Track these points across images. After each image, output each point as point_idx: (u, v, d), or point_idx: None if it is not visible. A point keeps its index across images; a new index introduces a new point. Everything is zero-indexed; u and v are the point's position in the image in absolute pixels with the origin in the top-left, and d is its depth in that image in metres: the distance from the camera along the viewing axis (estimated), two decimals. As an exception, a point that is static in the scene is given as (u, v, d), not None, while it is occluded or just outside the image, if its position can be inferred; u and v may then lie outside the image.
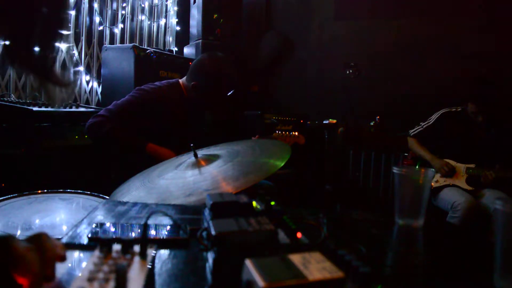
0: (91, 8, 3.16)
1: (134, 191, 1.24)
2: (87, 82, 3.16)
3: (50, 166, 2.01)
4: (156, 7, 3.81)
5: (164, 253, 0.67)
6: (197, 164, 1.31)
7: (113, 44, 3.33)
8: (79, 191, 1.46)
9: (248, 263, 0.47)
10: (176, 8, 3.98)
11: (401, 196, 0.98)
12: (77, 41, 3.05)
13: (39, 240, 0.55)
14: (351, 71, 3.79)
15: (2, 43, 0.54)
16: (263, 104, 3.83)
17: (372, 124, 3.49)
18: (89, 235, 0.72)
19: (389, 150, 3.49)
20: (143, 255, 0.54)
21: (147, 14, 3.70)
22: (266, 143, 1.58)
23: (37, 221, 1.22)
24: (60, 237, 0.73)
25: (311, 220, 0.84)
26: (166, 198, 1.12)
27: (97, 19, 3.21)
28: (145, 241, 0.55)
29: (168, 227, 0.79)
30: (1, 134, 2.00)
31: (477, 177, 2.61)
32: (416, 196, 0.97)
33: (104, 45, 3.08)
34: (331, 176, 3.29)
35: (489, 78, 2.75)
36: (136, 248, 0.54)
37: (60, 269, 0.56)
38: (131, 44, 2.75)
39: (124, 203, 1.00)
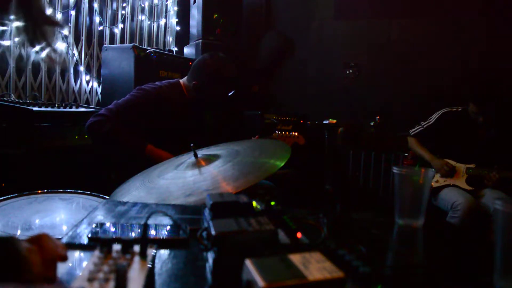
0: (91, 8, 3.16)
1: (134, 191, 1.24)
2: (87, 82, 3.16)
3: (50, 166, 2.01)
4: (156, 7, 3.81)
5: (164, 253, 0.67)
6: (197, 164, 1.31)
7: (113, 44, 3.33)
8: (79, 191, 1.46)
9: (248, 263, 0.47)
10: (176, 8, 3.98)
11: (401, 196, 0.98)
12: (77, 41, 3.05)
13: (41, 241, 0.55)
14: (351, 71, 3.79)
15: None
16: (263, 104, 3.83)
17: (372, 124, 3.49)
18: (89, 235, 0.72)
19: (389, 150, 3.49)
20: (143, 255, 0.54)
21: (147, 14, 3.70)
22: (266, 143, 1.58)
23: (37, 221, 1.22)
24: (60, 237, 0.73)
25: (311, 220, 0.84)
26: (166, 198, 1.12)
27: (97, 19, 3.21)
28: (145, 241, 0.55)
29: (168, 227, 0.79)
30: (1, 134, 2.00)
31: (477, 177, 2.61)
32: (416, 196, 0.97)
33: (104, 45, 3.08)
34: (331, 176, 3.29)
35: (490, 79, 2.76)
36: (136, 248, 0.54)
37: (61, 269, 0.56)
38: (131, 44, 2.75)
39: (124, 203, 1.00)
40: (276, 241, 0.59)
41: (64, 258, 0.55)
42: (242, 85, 3.08)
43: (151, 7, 3.76)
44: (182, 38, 3.98)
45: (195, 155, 1.36)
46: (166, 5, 3.91)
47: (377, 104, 3.63)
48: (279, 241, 0.61)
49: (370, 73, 3.79)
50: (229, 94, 2.07)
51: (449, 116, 2.77)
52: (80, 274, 0.48)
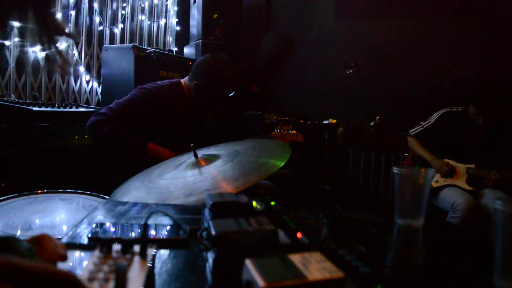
0: (91, 8, 3.16)
1: (134, 191, 1.24)
2: (87, 82, 3.16)
3: (50, 166, 2.00)
4: (156, 7, 3.81)
5: (164, 253, 0.67)
6: (197, 164, 1.31)
7: (113, 44, 3.33)
8: (79, 191, 1.46)
9: (248, 263, 0.47)
10: (176, 8, 3.98)
11: (401, 196, 0.98)
12: (77, 41, 3.05)
13: (41, 241, 0.55)
14: (351, 71, 3.79)
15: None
16: (263, 104, 3.83)
17: (372, 124, 3.49)
18: (89, 235, 0.72)
19: (389, 150, 3.49)
20: (143, 255, 0.54)
21: (147, 14, 3.70)
22: (266, 143, 1.58)
23: (37, 221, 1.22)
24: (60, 237, 0.73)
25: (311, 220, 0.84)
26: (166, 198, 1.12)
27: (97, 19, 3.21)
28: (145, 241, 0.55)
29: (168, 227, 0.79)
30: (1, 134, 2.00)
31: (477, 177, 2.61)
32: (416, 196, 0.97)
33: (104, 45, 3.08)
34: (331, 176, 3.29)
35: (491, 81, 2.76)
36: (136, 248, 0.54)
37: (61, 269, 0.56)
38: (131, 44, 2.75)
39: (124, 203, 1.00)
40: (276, 241, 0.59)
41: (64, 258, 0.55)
42: (242, 85, 3.08)
43: (151, 7, 3.76)
44: (182, 38, 3.98)
45: (195, 155, 1.36)
46: (166, 5, 3.91)
47: (377, 104, 3.63)
48: (279, 241, 0.61)
49: (370, 73, 3.78)
50: (230, 95, 2.07)
51: (449, 116, 2.76)
52: (80, 274, 0.48)
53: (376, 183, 3.57)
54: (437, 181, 2.68)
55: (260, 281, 0.42)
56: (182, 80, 2.07)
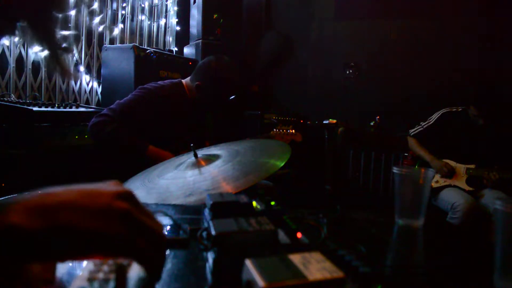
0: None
1: (134, 191, 1.24)
2: (87, 82, 3.16)
3: (50, 166, 2.00)
4: (156, 7, 3.81)
5: (164, 253, 0.66)
6: (197, 164, 1.31)
7: (113, 44, 3.33)
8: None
9: (248, 263, 0.47)
10: (176, 8, 3.98)
11: (401, 196, 0.98)
12: (77, 41, 3.04)
13: None
14: (351, 71, 3.79)
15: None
16: (263, 104, 3.83)
17: (372, 124, 3.49)
18: (89, 235, 0.72)
19: (389, 150, 3.49)
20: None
21: (147, 14, 3.70)
22: (266, 143, 1.58)
23: (37, 221, 1.22)
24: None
25: (311, 220, 0.84)
26: (166, 198, 1.12)
27: (97, 19, 3.21)
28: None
29: (168, 227, 0.79)
30: (1, 134, 2.00)
31: (477, 178, 2.61)
32: (416, 196, 0.97)
33: (104, 45, 3.08)
34: (331, 176, 3.29)
35: (491, 82, 2.76)
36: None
37: (61, 269, 0.56)
38: (131, 44, 2.75)
39: (124, 203, 1.00)
40: (276, 241, 0.59)
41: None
42: (242, 85, 3.08)
43: (151, 7, 3.76)
44: (182, 38, 3.98)
45: (195, 155, 1.36)
46: (166, 5, 3.91)
47: (377, 104, 3.63)
48: (279, 241, 0.61)
49: (370, 73, 3.79)
50: (231, 98, 2.08)
51: (449, 116, 2.76)
52: (80, 274, 0.48)
53: (376, 183, 3.57)
54: (437, 182, 2.69)
55: (260, 281, 0.42)
56: (183, 81, 2.07)
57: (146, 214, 0.47)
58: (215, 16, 3.53)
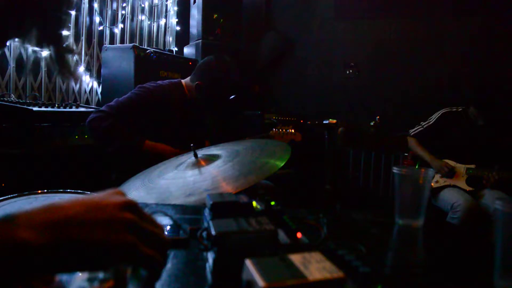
0: (91, 8, 3.15)
1: (134, 191, 1.24)
2: (87, 82, 3.16)
3: (50, 166, 2.00)
4: (156, 7, 3.81)
5: (164, 253, 0.66)
6: (197, 164, 1.31)
7: (113, 44, 3.33)
8: (79, 191, 1.46)
9: (248, 263, 0.47)
10: (176, 8, 3.98)
11: (401, 196, 0.98)
12: (77, 41, 3.04)
13: None
14: (351, 71, 3.79)
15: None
16: (263, 104, 3.83)
17: (372, 124, 3.49)
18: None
19: (389, 150, 3.49)
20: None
21: (147, 14, 3.70)
22: (266, 143, 1.58)
23: (37, 221, 1.22)
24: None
25: (311, 220, 0.84)
26: (166, 198, 1.12)
27: (97, 19, 3.21)
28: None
29: (168, 227, 0.79)
30: (1, 134, 2.00)
31: (477, 178, 2.60)
32: (416, 196, 0.97)
33: (104, 45, 3.07)
34: (331, 176, 3.29)
35: (491, 83, 2.76)
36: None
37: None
38: (131, 44, 2.75)
39: (124, 203, 1.00)
40: (276, 241, 0.59)
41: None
42: (242, 85, 3.08)
43: (151, 7, 3.76)
44: (182, 38, 3.98)
45: (195, 155, 1.36)
46: (166, 5, 3.91)
47: (377, 104, 3.63)
48: (279, 241, 0.61)
49: (370, 73, 3.79)
50: (230, 98, 2.08)
51: (449, 116, 2.76)
52: (80, 274, 0.48)
53: (376, 183, 3.57)
54: (437, 182, 2.68)
55: (260, 281, 0.42)
56: (183, 81, 2.07)
57: (149, 221, 0.50)
58: (215, 16, 3.53)
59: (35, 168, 1.95)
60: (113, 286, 0.46)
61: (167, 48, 3.86)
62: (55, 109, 2.20)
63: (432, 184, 2.60)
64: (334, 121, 3.21)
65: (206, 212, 0.70)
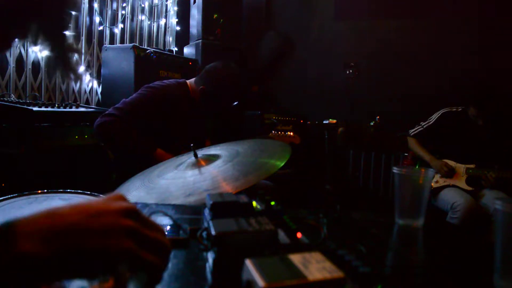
0: (91, 8, 3.15)
1: (134, 191, 1.24)
2: (87, 82, 3.16)
3: (50, 166, 2.00)
4: (156, 7, 3.81)
5: (164, 253, 0.66)
6: (197, 164, 1.31)
7: (113, 44, 3.33)
8: (79, 191, 1.46)
9: (248, 263, 0.47)
10: (176, 8, 3.98)
11: (401, 196, 0.98)
12: (77, 41, 3.04)
13: None
14: (351, 71, 3.79)
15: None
16: (263, 104, 3.83)
17: (372, 124, 3.49)
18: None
19: (389, 150, 3.49)
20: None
21: (147, 14, 3.70)
22: (266, 143, 1.58)
23: (37, 221, 1.22)
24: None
25: (311, 220, 0.84)
26: (166, 198, 1.12)
27: (97, 19, 3.21)
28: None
29: (168, 227, 0.79)
30: (1, 134, 2.00)
31: (477, 178, 2.61)
32: (416, 196, 0.97)
33: (104, 45, 3.08)
34: (331, 176, 3.29)
35: (491, 83, 2.77)
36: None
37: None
38: (131, 44, 2.75)
39: (124, 203, 1.00)
40: (276, 241, 0.59)
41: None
42: (242, 85, 3.08)
43: (151, 7, 3.76)
44: (182, 38, 3.98)
45: (195, 155, 1.36)
46: (166, 5, 3.91)
47: (377, 104, 3.63)
48: (279, 241, 0.61)
49: (370, 73, 3.79)
50: (233, 104, 2.10)
51: (449, 116, 2.77)
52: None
53: (376, 183, 3.57)
54: (437, 182, 2.69)
55: (260, 281, 0.42)
56: (188, 81, 2.07)
57: (150, 227, 0.49)
58: (215, 16, 3.53)
59: (35, 168, 1.95)
60: (113, 286, 0.46)
61: (167, 48, 3.86)
62: (55, 109, 2.20)
63: (432, 184, 2.60)
64: (334, 121, 3.22)
65: (206, 212, 0.70)
